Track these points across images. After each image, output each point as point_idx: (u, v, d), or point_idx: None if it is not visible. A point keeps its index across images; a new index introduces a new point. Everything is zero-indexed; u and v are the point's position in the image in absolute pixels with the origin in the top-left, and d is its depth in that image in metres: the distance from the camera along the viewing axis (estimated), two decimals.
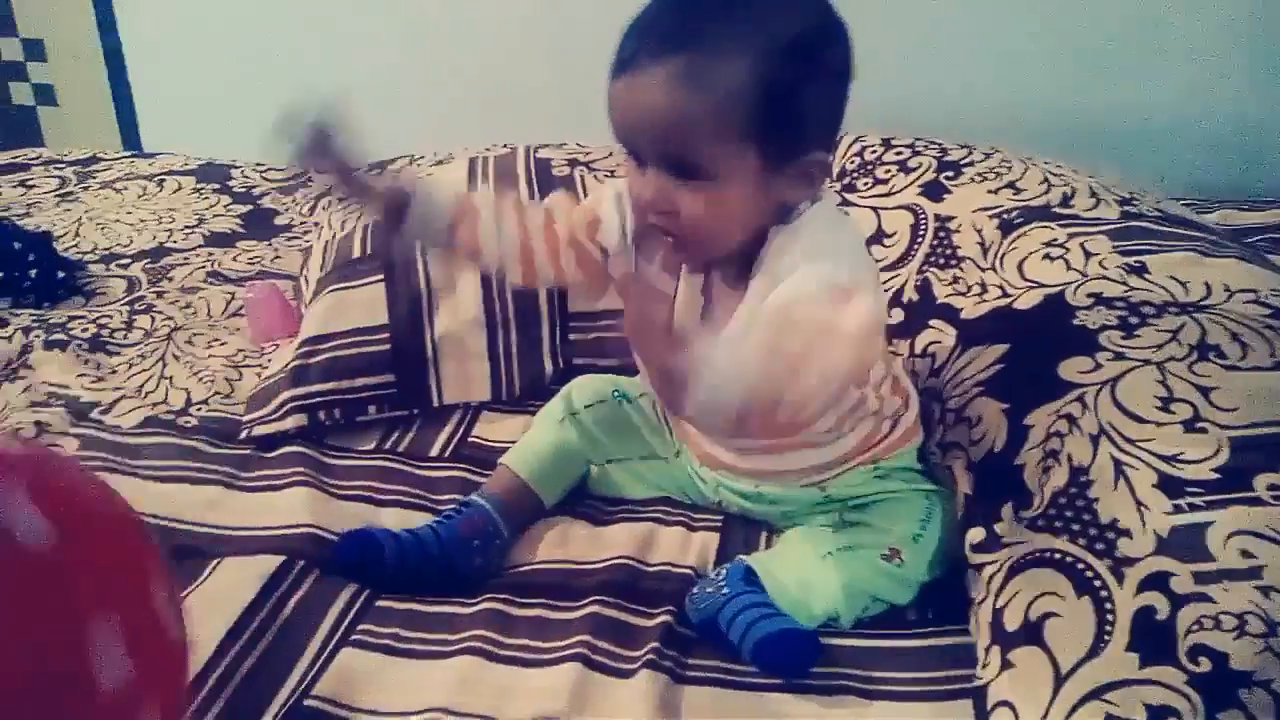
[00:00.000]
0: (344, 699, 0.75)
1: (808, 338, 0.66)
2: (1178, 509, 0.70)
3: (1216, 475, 0.71)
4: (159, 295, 1.36)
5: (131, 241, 1.52)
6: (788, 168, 0.76)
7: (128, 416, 1.09)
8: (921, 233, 1.13)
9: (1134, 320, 0.85)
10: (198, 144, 1.88)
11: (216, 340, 1.26)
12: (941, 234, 1.11)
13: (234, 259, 1.48)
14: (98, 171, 1.77)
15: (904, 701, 0.76)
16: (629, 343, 0.94)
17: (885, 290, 1.09)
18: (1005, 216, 1.07)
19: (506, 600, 0.85)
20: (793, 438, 0.88)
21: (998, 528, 0.80)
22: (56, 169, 1.79)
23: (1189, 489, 0.71)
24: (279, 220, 1.62)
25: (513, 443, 1.02)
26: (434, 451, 1.08)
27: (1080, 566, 0.72)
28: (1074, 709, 0.66)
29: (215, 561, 0.87)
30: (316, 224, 1.43)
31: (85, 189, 1.71)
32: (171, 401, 1.13)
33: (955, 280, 1.05)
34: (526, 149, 1.37)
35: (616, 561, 0.90)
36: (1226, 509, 0.69)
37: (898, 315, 1.07)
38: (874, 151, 1.25)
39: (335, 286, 1.16)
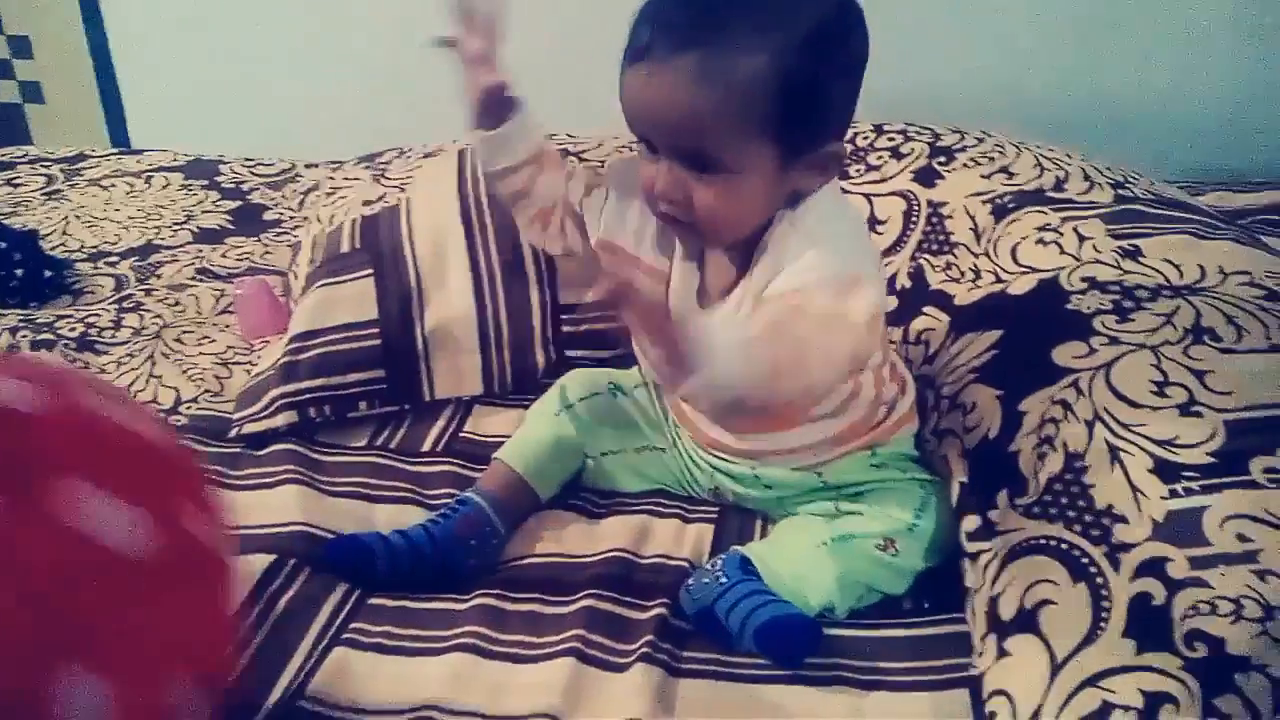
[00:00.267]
0: (337, 697, 0.75)
1: (813, 326, 0.65)
2: (1173, 494, 0.70)
3: (1212, 459, 0.71)
4: (147, 293, 1.35)
5: (119, 239, 1.51)
6: (804, 158, 0.76)
7: None
8: (914, 219, 1.12)
9: (1128, 304, 0.84)
10: (186, 140, 1.87)
11: (206, 338, 1.25)
12: (934, 220, 1.10)
13: (223, 255, 1.47)
14: (85, 169, 1.75)
15: (900, 691, 0.76)
16: (627, 327, 0.94)
17: None
18: (998, 201, 1.06)
19: (500, 595, 0.85)
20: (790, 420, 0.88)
21: (993, 515, 0.79)
22: (43, 166, 1.77)
23: (1184, 473, 0.71)
24: (268, 216, 1.61)
25: (505, 437, 1.01)
26: (426, 447, 1.07)
27: (1076, 553, 0.71)
28: (1070, 696, 0.65)
29: None
30: (305, 219, 1.42)
31: (72, 186, 1.69)
32: (161, 400, 1.12)
33: (948, 266, 1.05)
34: None
35: (611, 554, 0.89)
36: (1222, 493, 0.69)
37: (891, 302, 1.06)
38: (866, 138, 1.24)
39: (324, 282, 1.15)
